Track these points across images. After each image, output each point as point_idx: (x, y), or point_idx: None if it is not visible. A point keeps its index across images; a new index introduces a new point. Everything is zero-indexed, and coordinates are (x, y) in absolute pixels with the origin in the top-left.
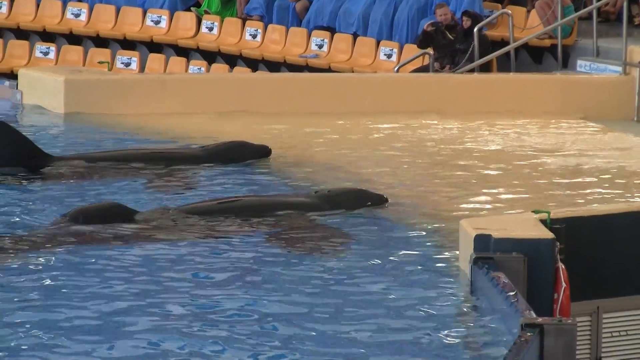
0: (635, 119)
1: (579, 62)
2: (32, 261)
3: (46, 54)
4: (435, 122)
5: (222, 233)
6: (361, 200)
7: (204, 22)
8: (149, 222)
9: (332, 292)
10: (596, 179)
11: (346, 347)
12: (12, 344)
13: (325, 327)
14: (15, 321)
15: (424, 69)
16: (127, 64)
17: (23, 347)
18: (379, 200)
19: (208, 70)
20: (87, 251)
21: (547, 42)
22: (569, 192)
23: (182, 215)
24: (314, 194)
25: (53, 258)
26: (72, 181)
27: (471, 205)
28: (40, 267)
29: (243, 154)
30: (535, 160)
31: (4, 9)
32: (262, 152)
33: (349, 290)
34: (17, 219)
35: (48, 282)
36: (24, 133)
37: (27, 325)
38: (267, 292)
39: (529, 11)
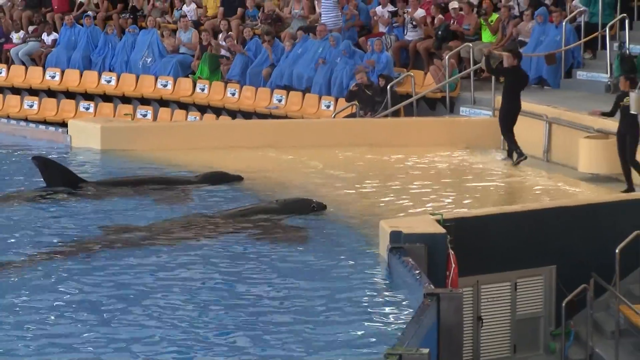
0: (502, 147)
1: (462, 108)
2: (75, 262)
3: (87, 109)
4: (360, 152)
5: (217, 232)
6: (308, 207)
7: (198, 84)
8: (163, 229)
9: (287, 271)
10: (477, 189)
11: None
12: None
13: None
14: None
15: (352, 115)
16: (145, 115)
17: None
18: (321, 207)
19: (201, 118)
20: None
21: (439, 95)
22: (457, 199)
23: (190, 221)
24: (275, 202)
25: (97, 257)
26: (101, 199)
27: (388, 209)
28: (82, 264)
29: (223, 180)
30: (433, 174)
31: (57, 78)
32: (237, 178)
33: (299, 267)
34: (62, 227)
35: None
36: (73, 166)
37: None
38: (244, 270)
39: (425, 73)
